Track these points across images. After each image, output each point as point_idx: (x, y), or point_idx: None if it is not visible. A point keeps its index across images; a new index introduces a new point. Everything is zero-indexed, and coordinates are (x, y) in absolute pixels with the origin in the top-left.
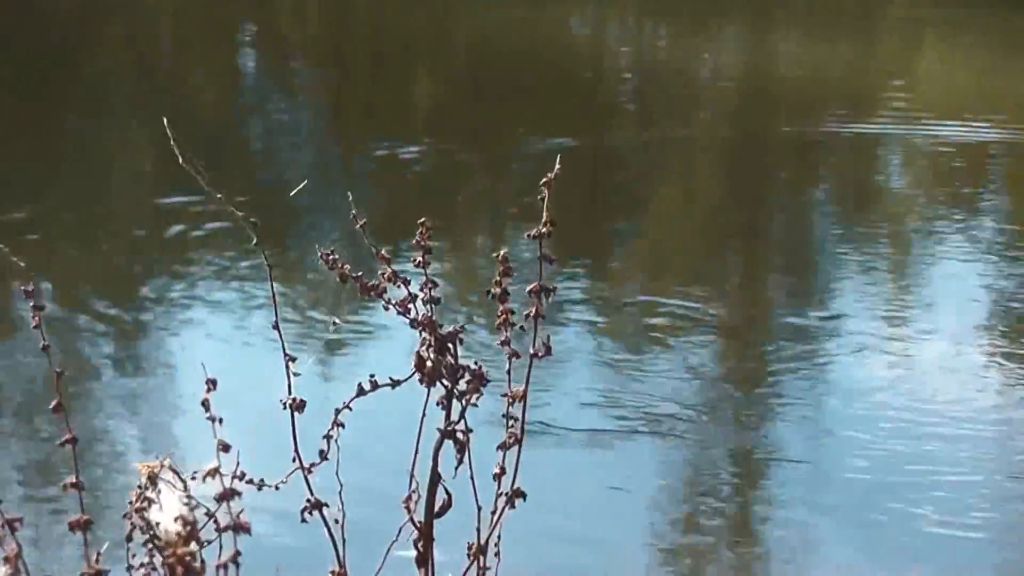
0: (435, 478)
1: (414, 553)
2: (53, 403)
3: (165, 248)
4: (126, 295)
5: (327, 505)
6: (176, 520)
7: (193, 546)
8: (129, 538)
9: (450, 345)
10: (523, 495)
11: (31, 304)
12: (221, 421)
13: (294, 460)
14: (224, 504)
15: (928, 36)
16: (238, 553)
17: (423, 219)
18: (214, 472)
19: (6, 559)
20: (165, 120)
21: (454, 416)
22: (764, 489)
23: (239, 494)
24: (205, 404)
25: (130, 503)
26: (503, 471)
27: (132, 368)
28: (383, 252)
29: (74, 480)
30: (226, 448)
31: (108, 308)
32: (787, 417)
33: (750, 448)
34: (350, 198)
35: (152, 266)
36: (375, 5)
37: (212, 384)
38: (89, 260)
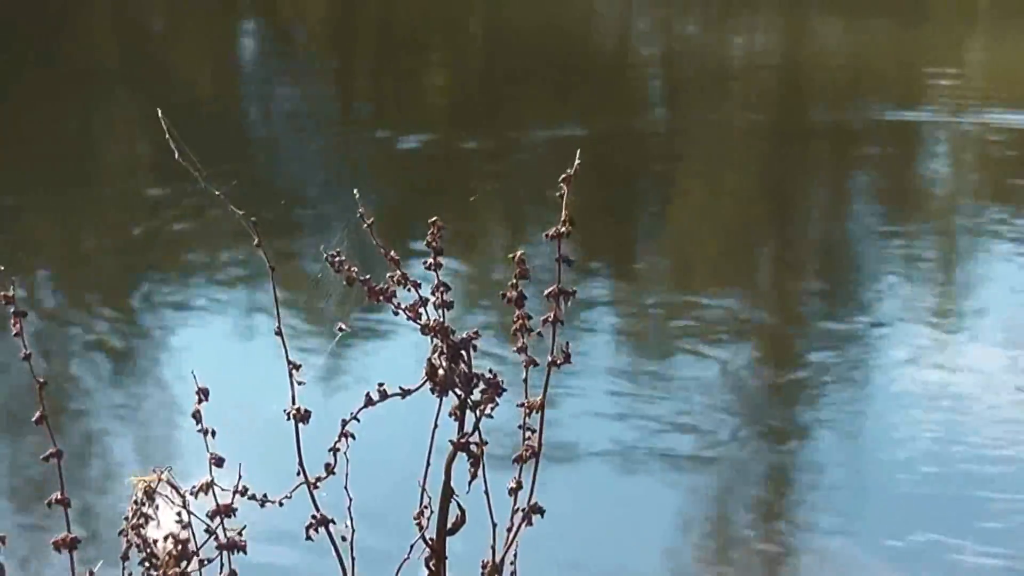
0: (448, 493)
1: (425, 572)
2: (36, 415)
3: (159, 248)
4: (119, 298)
5: (333, 522)
6: (167, 538)
7: (189, 565)
8: (125, 557)
9: (464, 352)
10: (541, 511)
11: (11, 310)
12: (214, 433)
13: (298, 474)
14: (219, 521)
15: (979, 19)
16: (233, 573)
17: (434, 218)
18: (207, 487)
19: None
20: (159, 111)
21: (468, 427)
22: (798, 512)
23: (234, 511)
24: (196, 416)
25: (126, 519)
26: (519, 486)
27: (127, 376)
28: (392, 254)
29: (59, 496)
30: (219, 462)
31: (99, 312)
32: (824, 433)
33: (784, 467)
34: (357, 195)
35: (146, 267)
36: None
37: (204, 394)
38: (77, 260)
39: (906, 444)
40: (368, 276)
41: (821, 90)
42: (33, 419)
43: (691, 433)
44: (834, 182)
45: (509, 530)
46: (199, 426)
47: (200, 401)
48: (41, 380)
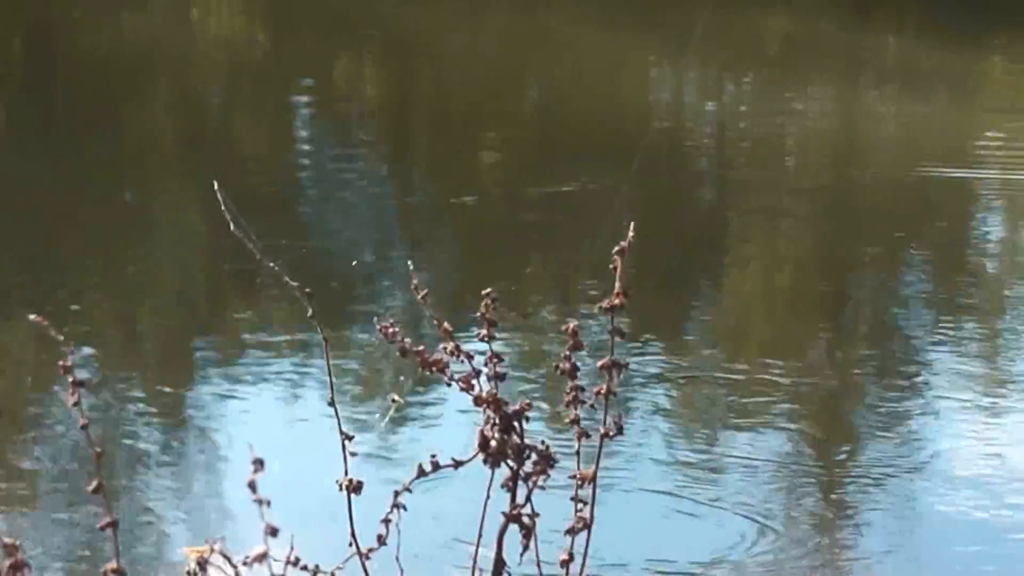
0: (499, 565)
1: None
2: (93, 484)
3: (213, 319)
4: (172, 369)
5: None
6: None
7: None
8: None
9: (516, 424)
10: None
11: (69, 380)
12: (269, 504)
13: (351, 545)
14: None
15: None
16: None
17: (488, 290)
18: (262, 557)
19: None
20: (215, 183)
21: (520, 499)
22: None
23: None
24: (252, 486)
25: None
26: (571, 558)
27: (179, 447)
28: (446, 325)
29: (115, 566)
30: (274, 532)
31: (153, 384)
32: (877, 515)
33: (832, 543)
34: (411, 267)
35: (199, 338)
36: (440, 58)
37: (259, 464)
38: (132, 332)
39: (958, 523)
40: (422, 347)
41: (873, 158)
42: (89, 488)
43: (742, 511)
44: (887, 250)
45: None
46: (255, 496)
47: (256, 471)
48: (98, 449)
